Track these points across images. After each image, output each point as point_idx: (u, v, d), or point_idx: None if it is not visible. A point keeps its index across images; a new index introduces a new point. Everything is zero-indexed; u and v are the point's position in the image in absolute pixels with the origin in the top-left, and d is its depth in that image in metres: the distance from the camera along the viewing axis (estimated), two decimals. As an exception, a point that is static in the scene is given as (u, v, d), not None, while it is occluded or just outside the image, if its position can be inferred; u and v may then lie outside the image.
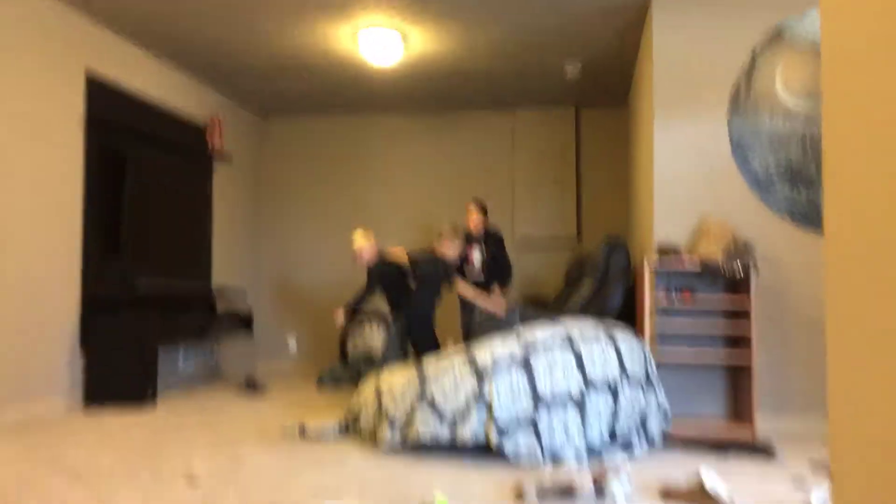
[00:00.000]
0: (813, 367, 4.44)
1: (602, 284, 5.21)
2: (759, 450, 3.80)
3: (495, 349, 3.71)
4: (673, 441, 4.04)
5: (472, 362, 3.68)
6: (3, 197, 4.36)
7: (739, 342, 4.43)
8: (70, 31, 4.93)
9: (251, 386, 5.86)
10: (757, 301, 4.31)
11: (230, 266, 7.13)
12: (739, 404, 4.49)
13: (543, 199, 7.38)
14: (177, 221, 6.08)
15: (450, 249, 5.19)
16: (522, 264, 7.36)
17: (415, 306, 5.13)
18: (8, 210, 4.40)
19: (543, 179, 7.38)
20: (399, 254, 5.52)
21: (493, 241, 6.00)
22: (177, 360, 6.07)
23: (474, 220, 5.95)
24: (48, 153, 4.73)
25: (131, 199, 5.44)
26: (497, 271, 5.97)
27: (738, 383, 4.53)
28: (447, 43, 5.58)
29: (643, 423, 3.83)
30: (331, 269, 7.61)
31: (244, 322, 6.45)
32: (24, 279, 4.52)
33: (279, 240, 7.81)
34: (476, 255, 5.98)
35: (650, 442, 3.88)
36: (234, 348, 7.11)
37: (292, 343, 7.62)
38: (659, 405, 4.00)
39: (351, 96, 7.02)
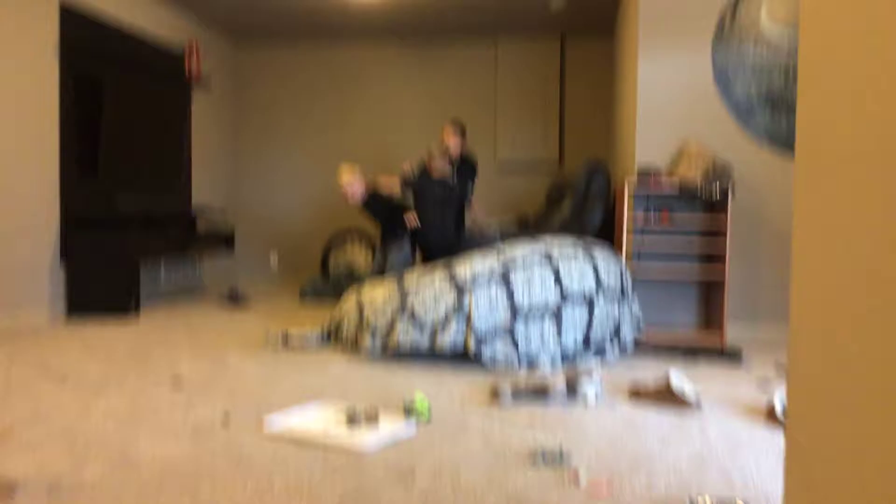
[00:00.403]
0: (783, 280, 4.57)
1: (582, 204, 5.28)
2: (727, 355, 3.96)
3: (475, 265, 3.78)
4: (645, 347, 4.18)
5: (453, 277, 3.75)
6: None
7: (713, 259, 4.54)
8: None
9: (234, 298, 5.93)
10: (732, 221, 4.40)
11: (211, 187, 7.10)
12: (711, 314, 4.65)
13: (526, 124, 7.35)
14: (156, 144, 6.04)
15: (444, 169, 5.12)
16: (505, 186, 7.39)
17: (438, 227, 5.04)
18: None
19: (526, 106, 7.34)
20: (389, 183, 5.38)
21: (467, 168, 5.67)
22: (158, 276, 6.11)
23: (453, 142, 5.59)
24: (23, 80, 4.69)
25: (109, 123, 5.41)
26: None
27: (710, 296, 4.67)
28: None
29: (616, 331, 3.96)
30: (310, 189, 7.60)
31: (225, 240, 6.47)
32: (2, 196, 4.51)
33: (259, 161, 7.76)
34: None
35: (622, 348, 4.01)
36: (216, 265, 7.15)
37: (273, 259, 7.67)
38: (632, 314, 4.13)
39: (330, 23, 6.85)
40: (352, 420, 2.61)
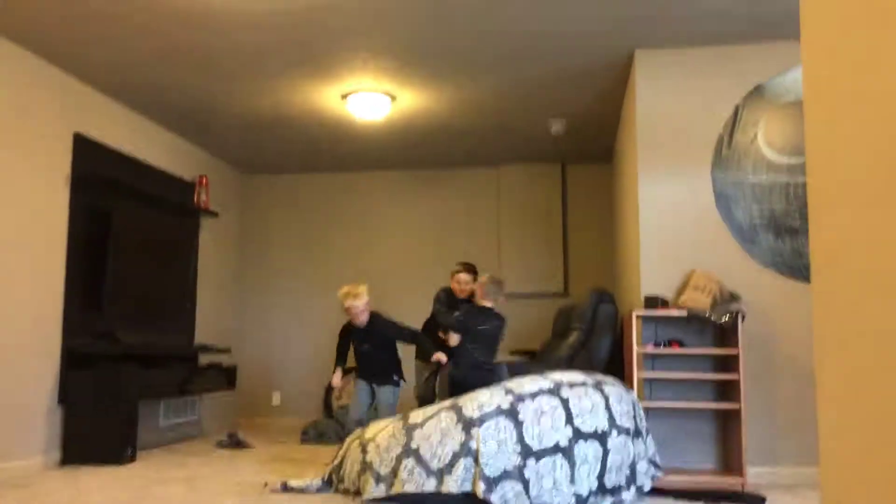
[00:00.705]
0: (801, 413, 4.40)
1: (589, 335, 5.20)
2: (751, 500, 3.74)
3: (482, 400, 3.66)
4: (662, 492, 3.96)
5: (459, 413, 3.62)
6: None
7: (727, 389, 4.40)
8: (59, 91, 4.98)
9: (233, 442, 5.73)
10: (745, 350, 4.30)
11: (214, 320, 7.06)
12: (729, 455, 4.43)
13: (530, 254, 7.38)
14: (161, 277, 6.04)
15: (490, 303, 4.70)
16: (510, 319, 7.31)
17: (472, 365, 4.56)
18: (-10, 263, 4.37)
19: (529, 235, 7.41)
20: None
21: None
22: (157, 415, 5.94)
23: (468, 287, 5.22)
24: (33, 210, 4.73)
25: (115, 254, 5.41)
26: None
27: (727, 434, 4.48)
28: (435, 102, 5.66)
29: (632, 472, 3.77)
30: (316, 325, 7.54)
31: (227, 377, 6.35)
32: (4, 336, 4.44)
33: (264, 295, 7.76)
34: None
35: (640, 491, 3.81)
36: (217, 403, 6.98)
37: (276, 399, 7.49)
38: (648, 454, 3.95)
39: (336, 153, 7.09)
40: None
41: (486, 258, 7.49)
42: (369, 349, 4.80)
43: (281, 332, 7.67)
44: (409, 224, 7.69)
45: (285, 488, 3.92)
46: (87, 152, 5.20)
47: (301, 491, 3.91)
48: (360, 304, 4.67)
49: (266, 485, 4.12)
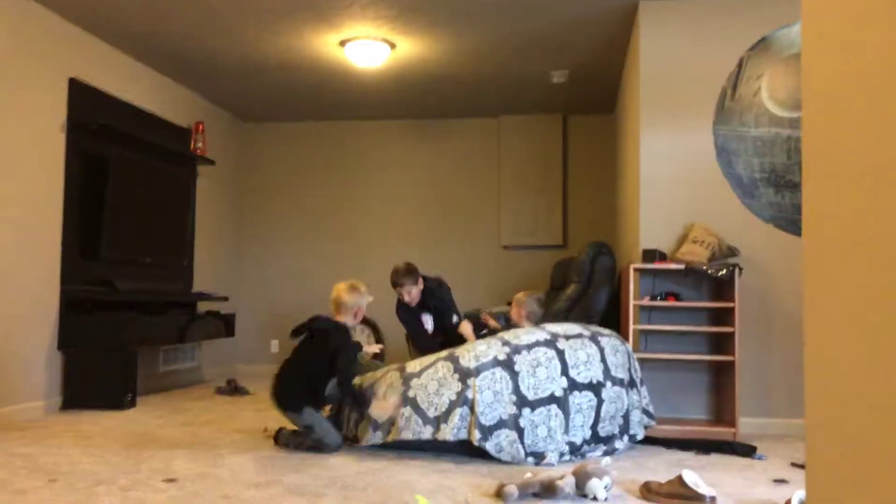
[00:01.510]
0: (794, 366, 4.44)
1: (587, 288, 5.21)
2: (741, 449, 3.81)
3: (479, 350, 3.69)
4: (655, 441, 4.03)
5: (456, 363, 3.66)
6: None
7: (722, 342, 4.44)
8: (54, 36, 4.89)
9: (232, 388, 5.81)
10: (741, 304, 4.32)
11: (213, 269, 7.08)
12: (722, 406, 4.50)
13: (529, 206, 7.36)
14: (160, 225, 6.02)
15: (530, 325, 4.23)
16: (509, 272, 7.36)
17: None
18: (-14, 209, 4.35)
19: (530, 187, 7.37)
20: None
21: (431, 297, 4.88)
22: (157, 362, 6.01)
23: (412, 294, 4.80)
24: (29, 156, 4.68)
25: (113, 202, 5.38)
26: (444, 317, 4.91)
27: (721, 386, 4.53)
28: (434, 51, 5.57)
29: (626, 422, 3.83)
30: (314, 275, 7.56)
31: (226, 324, 6.40)
32: (2, 282, 4.46)
33: (263, 243, 7.77)
34: (427, 320, 4.92)
35: (632, 440, 3.87)
36: (216, 350, 7.05)
37: (275, 347, 7.56)
38: (642, 404, 4.00)
39: (335, 102, 7.01)
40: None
41: (486, 208, 7.48)
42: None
43: (279, 282, 7.70)
44: (408, 173, 7.64)
45: (284, 439, 3.97)
46: (82, 98, 5.13)
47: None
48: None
49: (265, 430, 4.18)
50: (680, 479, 2.90)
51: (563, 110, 7.27)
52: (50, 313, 4.87)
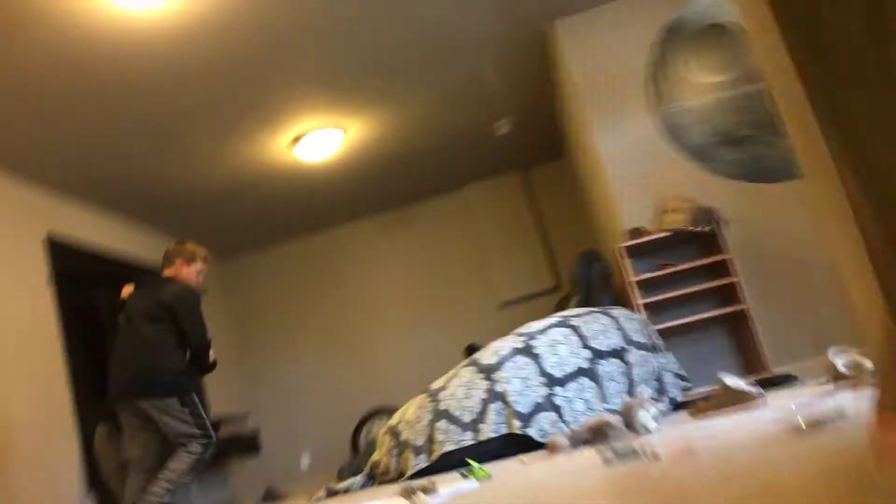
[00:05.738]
0: (809, 307, 4.45)
1: (588, 295, 5.26)
2: (782, 380, 3.78)
3: (496, 347, 3.71)
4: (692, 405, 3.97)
5: (478, 365, 3.66)
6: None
7: (729, 298, 4.45)
8: (29, 199, 5.14)
9: (271, 497, 5.64)
10: (737, 258, 4.38)
11: (226, 395, 7.01)
12: (749, 360, 4.45)
13: (516, 262, 7.49)
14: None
15: None
16: (512, 326, 7.35)
17: None
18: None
19: (510, 245, 7.52)
20: None
21: None
22: (189, 497, 5.83)
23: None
24: (22, 316, 4.79)
25: (112, 345, 5.42)
26: None
27: (742, 342, 4.52)
28: (384, 126, 5.81)
29: (661, 384, 3.79)
30: (328, 380, 7.51)
31: (250, 444, 6.27)
32: (23, 441, 4.44)
33: (272, 362, 7.74)
34: None
35: (672, 402, 3.82)
36: (246, 472, 6.86)
37: (305, 460, 7.37)
38: (674, 368, 3.98)
39: (303, 211, 7.18)
40: (409, 494, 2.43)
41: (471, 279, 7.59)
42: None
43: (296, 396, 7.61)
44: (393, 263, 7.79)
45: (330, 493, 3.87)
46: (61, 253, 5.30)
47: (346, 491, 3.87)
48: None
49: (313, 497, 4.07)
50: (723, 385, 2.88)
51: (522, 163, 7.54)
52: (73, 461, 4.80)
